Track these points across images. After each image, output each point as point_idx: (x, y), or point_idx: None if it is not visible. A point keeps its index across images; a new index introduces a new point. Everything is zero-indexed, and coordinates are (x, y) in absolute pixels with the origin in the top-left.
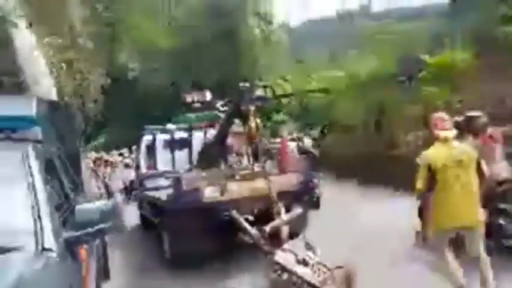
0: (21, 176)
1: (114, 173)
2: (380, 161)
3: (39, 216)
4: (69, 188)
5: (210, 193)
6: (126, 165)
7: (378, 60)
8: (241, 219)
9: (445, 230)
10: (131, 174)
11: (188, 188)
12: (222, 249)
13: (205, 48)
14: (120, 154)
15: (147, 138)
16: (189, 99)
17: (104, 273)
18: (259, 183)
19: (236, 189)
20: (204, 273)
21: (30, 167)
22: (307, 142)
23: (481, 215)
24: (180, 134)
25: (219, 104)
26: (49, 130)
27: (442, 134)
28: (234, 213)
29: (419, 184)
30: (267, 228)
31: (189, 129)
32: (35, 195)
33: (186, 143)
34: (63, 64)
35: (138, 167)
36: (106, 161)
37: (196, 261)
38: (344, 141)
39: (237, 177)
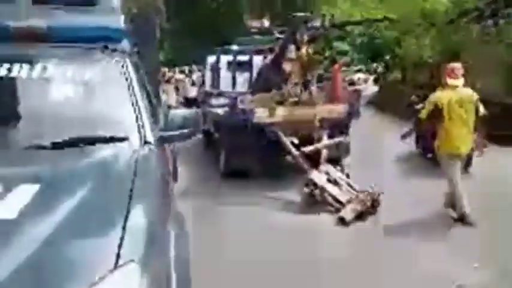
0: (124, 82)
1: (183, 89)
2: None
3: (140, 115)
4: (153, 97)
5: (260, 114)
6: (193, 83)
7: None
8: (285, 140)
9: (450, 154)
10: (194, 92)
11: (241, 107)
12: (269, 167)
13: None
14: (182, 71)
15: (211, 59)
16: (250, 23)
17: (174, 175)
18: (305, 110)
19: (283, 113)
20: (249, 185)
21: (129, 74)
22: (361, 77)
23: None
24: (242, 57)
25: (276, 32)
26: (132, 42)
27: (450, 82)
28: (280, 134)
29: (423, 115)
30: (306, 149)
31: (251, 52)
32: (135, 97)
33: (247, 65)
34: None
35: (202, 85)
36: (174, 78)
37: (246, 174)
38: (410, 80)
39: (286, 102)
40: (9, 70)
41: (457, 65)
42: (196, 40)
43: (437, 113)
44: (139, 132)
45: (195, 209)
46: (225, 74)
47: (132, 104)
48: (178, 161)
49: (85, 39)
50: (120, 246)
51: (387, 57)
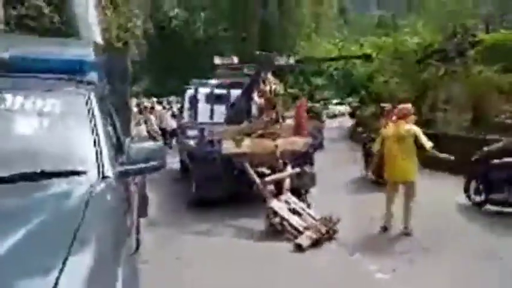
0: (86, 115)
1: (160, 120)
2: None
3: (100, 149)
4: (120, 130)
5: (227, 145)
6: (173, 115)
7: (429, 32)
8: (250, 170)
9: (389, 180)
10: (174, 123)
11: (209, 138)
12: (236, 196)
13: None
14: (159, 102)
15: (190, 91)
16: (217, 61)
17: (143, 210)
18: (268, 142)
19: (250, 144)
20: (217, 212)
21: (92, 107)
22: (342, 109)
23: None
24: (220, 90)
25: (245, 69)
26: (102, 74)
27: (393, 120)
28: (245, 164)
29: (375, 146)
30: (268, 179)
31: (228, 86)
32: (97, 131)
33: (224, 98)
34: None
35: (180, 117)
36: (152, 108)
37: (214, 202)
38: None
39: (253, 134)
40: None
41: (405, 106)
42: (174, 73)
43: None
44: (97, 166)
45: (160, 236)
46: (202, 106)
47: (93, 138)
48: (147, 193)
49: (50, 70)
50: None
51: (362, 92)
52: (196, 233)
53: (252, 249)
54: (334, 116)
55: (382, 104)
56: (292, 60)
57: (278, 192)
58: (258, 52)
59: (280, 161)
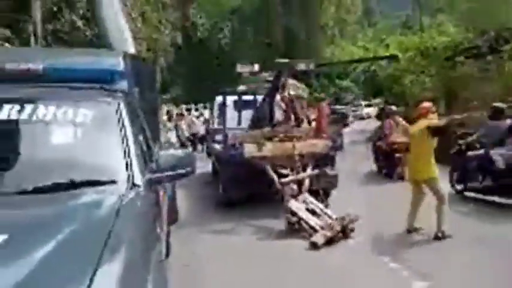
0: (116, 124)
1: (186, 126)
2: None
3: (130, 158)
4: (150, 137)
5: (249, 149)
6: (205, 121)
7: (459, 30)
8: (270, 172)
9: (410, 179)
10: (202, 128)
11: (232, 143)
12: (259, 197)
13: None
14: (188, 109)
15: (219, 98)
16: (240, 69)
17: (173, 215)
18: (289, 145)
19: (271, 148)
20: (243, 212)
21: (122, 116)
22: (370, 111)
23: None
24: (247, 97)
25: (266, 75)
26: (132, 84)
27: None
28: (267, 167)
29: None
30: (285, 180)
31: (254, 93)
32: (127, 140)
33: (251, 104)
34: (139, 17)
35: (210, 123)
36: (181, 115)
37: (240, 202)
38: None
39: (274, 138)
40: None
41: (424, 105)
42: (202, 81)
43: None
44: (128, 175)
45: (185, 235)
46: (230, 112)
47: (122, 147)
48: (176, 200)
49: (81, 80)
50: None
51: (388, 93)
52: (220, 231)
53: (270, 247)
54: (362, 118)
55: (388, 106)
56: (312, 66)
57: (299, 193)
58: (277, 60)
59: (299, 163)
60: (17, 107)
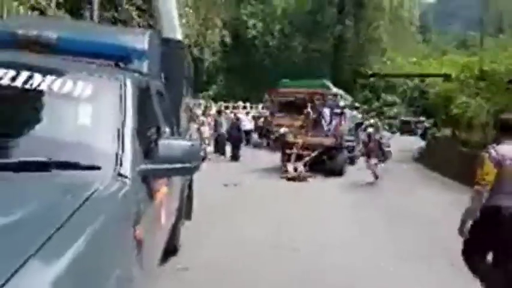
0: (115, 105)
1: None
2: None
3: (122, 144)
4: (164, 125)
5: (289, 137)
6: (253, 118)
7: None
8: (289, 151)
9: None
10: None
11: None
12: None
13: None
14: (226, 107)
15: (267, 97)
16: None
17: (186, 213)
18: (306, 138)
19: (301, 137)
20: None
21: (126, 96)
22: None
23: None
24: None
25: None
26: (156, 66)
27: None
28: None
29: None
30: (292, 155)
31: (305, 95)
32: (123, 123)
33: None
34: (190, 10)
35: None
36: (219, 112)
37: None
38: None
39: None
40: None
41: None
42: (245, 80)
43: None
44: (114, 163)
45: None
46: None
47: (117, 131)
48: (193, 195)
49: (97, 54)
50: None
51: (438, 113)
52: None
53: (279, 183)
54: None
55: None
56: (342, 102)
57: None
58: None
59: (306, 149)
60: (12, 72)
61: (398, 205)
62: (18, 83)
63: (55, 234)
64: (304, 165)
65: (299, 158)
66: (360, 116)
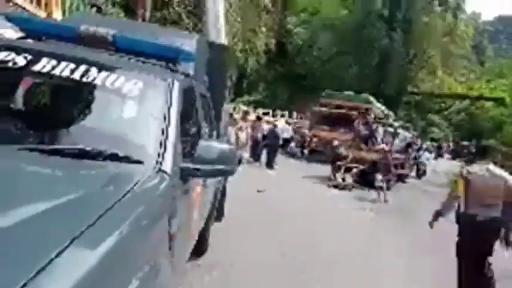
0: (162, 103)
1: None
2: None
3: (165, 142)
4: (205, 127)
5: (341, 149)
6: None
7: None
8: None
9: None
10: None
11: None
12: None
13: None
14: (265, 114)
15: (312, 108)
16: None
17: (217, 213)
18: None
19: (351, 151)
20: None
21: (172, 96)
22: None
23: None
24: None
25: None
26: (201, 69)
27: None
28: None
29: None
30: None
31: (348, 109)
32: (168, 122)
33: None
34: (238, 18)
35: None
36: (258, 118)
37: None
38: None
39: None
40: (53, 68)
41: None
42: (286, 89)
43: None
44: (157, 158)
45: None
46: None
47: (161, 128)
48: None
49: (149, 54)
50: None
51: (488, 138)
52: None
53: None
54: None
55: None
56: (397, 123)
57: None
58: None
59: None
60: (72, 65)
61: None
62: (76, 75)
63: (98, 220)
64: (352, 176)
65: (347, 170)
66: (409, 135)
